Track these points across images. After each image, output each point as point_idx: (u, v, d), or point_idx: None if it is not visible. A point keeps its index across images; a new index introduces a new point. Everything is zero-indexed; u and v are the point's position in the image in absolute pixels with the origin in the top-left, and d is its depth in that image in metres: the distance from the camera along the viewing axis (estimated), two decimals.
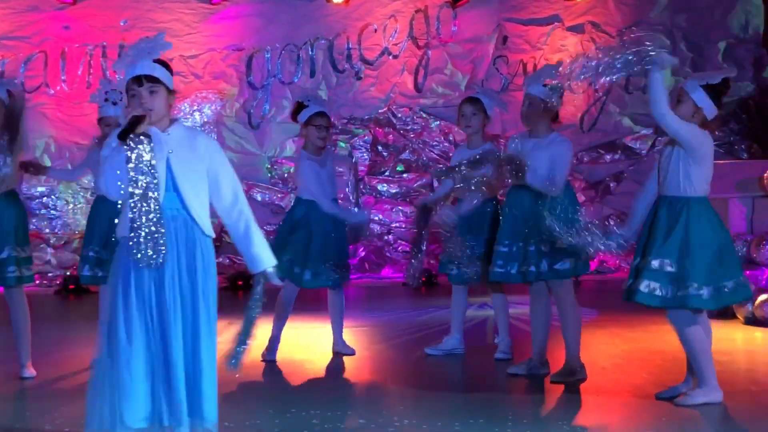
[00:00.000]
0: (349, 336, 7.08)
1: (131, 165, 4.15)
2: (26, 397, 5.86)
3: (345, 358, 6.80)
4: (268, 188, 12.08)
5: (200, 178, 4.31)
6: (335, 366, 6.60)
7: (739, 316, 7.90)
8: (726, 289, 5.15)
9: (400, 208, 12.24)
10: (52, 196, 11.69)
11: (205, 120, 12.04)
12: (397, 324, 8.40)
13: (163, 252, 4.17)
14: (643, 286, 5.16)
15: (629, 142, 12.32)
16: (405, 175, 12.25)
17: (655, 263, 5.16)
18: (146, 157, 4.16)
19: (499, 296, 6.66)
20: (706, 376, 5.22)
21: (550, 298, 6.03)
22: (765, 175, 8.17)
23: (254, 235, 4.36)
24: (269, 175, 12.00)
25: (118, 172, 4.18)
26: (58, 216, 11.69)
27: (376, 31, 12.23)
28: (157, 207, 4.17)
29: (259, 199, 12.07)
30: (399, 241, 12.16)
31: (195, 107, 11.94)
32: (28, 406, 5.64)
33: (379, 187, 12.22)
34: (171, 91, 4.35)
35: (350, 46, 12.21)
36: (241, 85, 12.11)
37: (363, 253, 12.12)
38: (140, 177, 4.16)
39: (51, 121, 11.64)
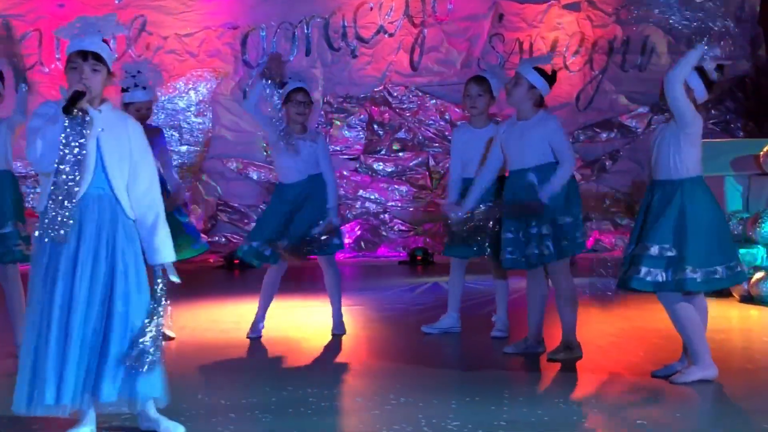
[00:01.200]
0: (345, 315, 7.08)
1: (64, 140, 4.13)
2: None
3: (342, 337, 6.80)
4: (263, 166, 12.05)
5: (126, 160, 4.32)
6: (331, 344, 6.60)
7: (734, 294, 7.91)
8: (717, 275, 5.16)
9: (395, 186, 12.23)
10: None
11: (200, 98, 12.01)
12: (393, 302, 8.41)
13: (67, 230, 4.15)
14: (643, 272, 5.16)
15: (625, 121, 12.31)
16: (401, 154, 12.23)
17: (654, 250, 5.16)
18: (82, 133, 4.15)
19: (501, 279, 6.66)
20: (700, 353, 5.23)
21: (546, 277, 6.05)
22: (761, 153, 8.17)
23: (160, 227, 4.39)
24: (265, 153, 11.97)
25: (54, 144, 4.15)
26: None
27: (371, 9, 12.19)
28: (79, 184, 4.16)
29: (254, 177, 12.06)
30: (395, 220, 12.16)
31: (190, 85, 11.90)
32: None
33: (375, 166, 12.20)
34: (110, 73, 4.34)
35: (346, 24, 12.17)
36: (236, 63, 12.07)
37: (359, 232, 12.12)
38: (70, 153, 4.14)
39: (46, 98, 11.58)
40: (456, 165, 6.68)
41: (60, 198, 4.14)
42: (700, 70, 5.23)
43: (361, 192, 12.27)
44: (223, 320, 7.57)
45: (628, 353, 6.09)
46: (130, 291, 4.26)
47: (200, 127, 12.09)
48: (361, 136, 12.27)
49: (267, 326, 6.86)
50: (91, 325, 4.19)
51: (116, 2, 11.80)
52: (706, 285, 5.20)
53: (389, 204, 12.19)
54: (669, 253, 5.14)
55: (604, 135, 12.24)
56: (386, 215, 12.13)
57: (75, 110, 4.12)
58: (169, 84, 11.52)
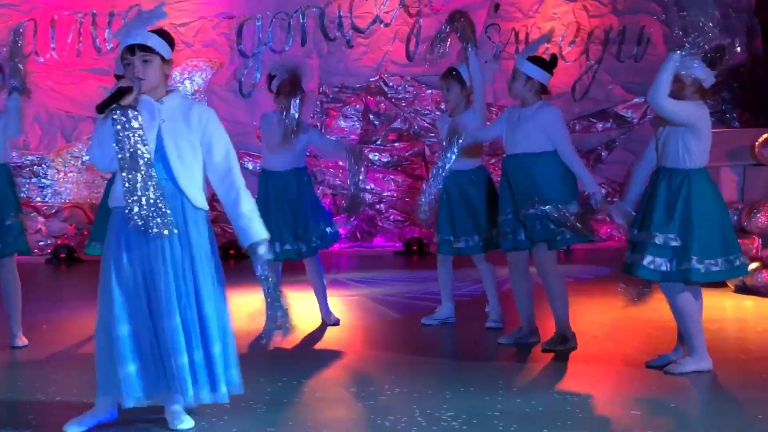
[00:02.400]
0: (340, 305, 7.09)
1: (117, 136, 4.14)
2: (17, 366, 5.86)
3: (337, 327, 6.81)
4: (259, 156, 12.02)
5: (192, 149, 4.30)
6: (326, 335, 6.60)
7: (729, 285, 7.92)
8: (716, 267, 5.17)
9: (391, 177, 12.22)
10: (43, 165, 11.64)
11: (196, 88, 11.98)
12: (388, 293, 8.41)
13: (170, 219, 4.16)
14: (647, 261, 5.17)
15: (621, 111, 12.29)
16: (396, 144, 12.22)
17: (659, 239, 5.17)
18: (135, 126, 4.15)
19: (486, 266, 6.67)
20: (696, 344, 5.24)
21: (529, 266, 6.07)
22: (756, 143, 8.17)
23: (244, 207, 4.35)
24: (260, 143, 11.96)
25: (106, 143, 4.18)
26: (49, 185, 11.65)
27: None
28: (151, 175, 4.16)
29: (250, 167, 12.03)
30: (391, 210, 12.16)
31: (185, 75, 11.87)
32: (20, 375, 5.64)
33: (371, 156, 12.19)
34: (167, 61, 4.34)
35: (341, 14, 12.14)
36: (231, 53, 12.04)
37: (355, 222, 12.12)
38: (127, 147, 4.14)
39: (41, 89, 11.52)
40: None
41: (129, 192, 4.14)
42: (705, 58, 5.21)
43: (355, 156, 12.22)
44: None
45: (623, 344, 6.10)
46: (211, 280, 4.30)
47: None
48: (357, 126, 12.25)
49: (259, 318, 6.84)
50: (189, 316, 4.26)
51: None
52: (706, 276, 5.22)
53: (385, 194, 12.18)
54: (674, 243, 5.15)
55: (600, 125, 12.22)
56: (381, 205, 12.12)
57: (116, 107, 4.12)
58: (169, 75, 11.48)
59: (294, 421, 4.54)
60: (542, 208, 5.72)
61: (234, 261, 10.94)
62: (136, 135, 4.14)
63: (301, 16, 12.08)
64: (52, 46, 11.71)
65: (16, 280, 6.22)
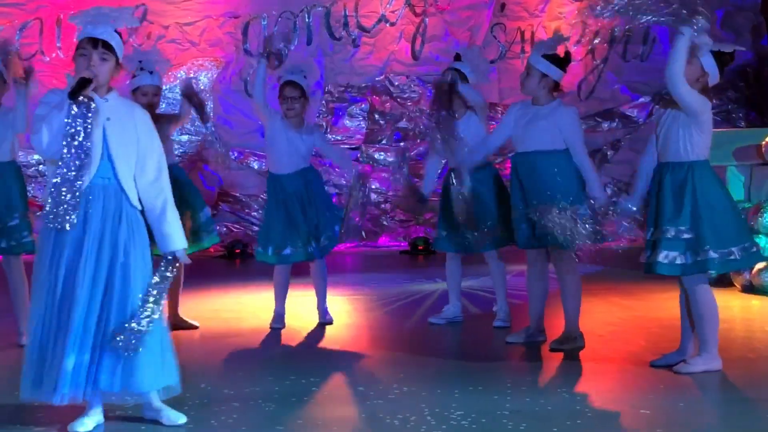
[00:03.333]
0: (347, 304, 7.09)
1: (69, 127, 4.12)
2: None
3: (344, 327, 6.82)
4: (264, 156, 12.03)
5: (132, 149, 4.31)
6: (333, 334, 6.61)
7: (736, 284, 7.92)
8: (733, 256, 5.16)
9: (396, 177, 12.21)
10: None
11: (201, 87, 11.97)
12: (394, 292, 8.41)
13: (72, 219, 4.14)
14: (662, 256, 5.16)
15: (627, 110, 12.30)
16: (402, 144, 12.22)
17: (670, 232, 5.16)
18: (89, 119, 4.14)
19: (497, 264, 6.66)
20: (709, 343, 5.23)
21: (548, 266, 6.05)
22: (763, 143, 8.16)
23: (169, 214, 4.37)
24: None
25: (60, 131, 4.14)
26: None
27: None
28: (84, 173, 4.16)
29: (255, 167, 12.05)
30: (396, 210, 12.16)
31: (191, 75, 11.88)
32: None
33: (377, 156, 12.19)
34: (118, 64, 4.34)
35: (347, 13, 12.14)
36: (237, 52, 12.05)
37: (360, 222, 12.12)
38: (75, 140, 4.13)
39: (47, 87, 11.51)
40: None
41: (65, 187, 4.13)
42: (716, 55, 5.21)
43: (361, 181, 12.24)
44: (225, 310, 7.58)
45: (630, 343, 6.09)
46: (131, 282, 4.24)
47: None
48: (363, 125, 12.25)
49: (266, 317, 6.87)
50: (94, 315, 4.19)
51: None
52: (724, 266, 5.24)
53: (390, 194, 12.18)
54: (686, 236, 5.14)
55: (606, 125, 12.23)
56: (387, 205, 12.12)
57: (81, 97, 4.12)
58: (170, 73, 11.50)
59: (303, 419, 4.54)
60: (549, 211, 5.69)
61: (240, 260, 10.96)
62: (87, 128, 4.14)
63: (306, 16, 12.09)
64: (58, 45, 11.73)
65: (23, 278, 6.22)
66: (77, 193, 4.15)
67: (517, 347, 6.02)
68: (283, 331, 6.67)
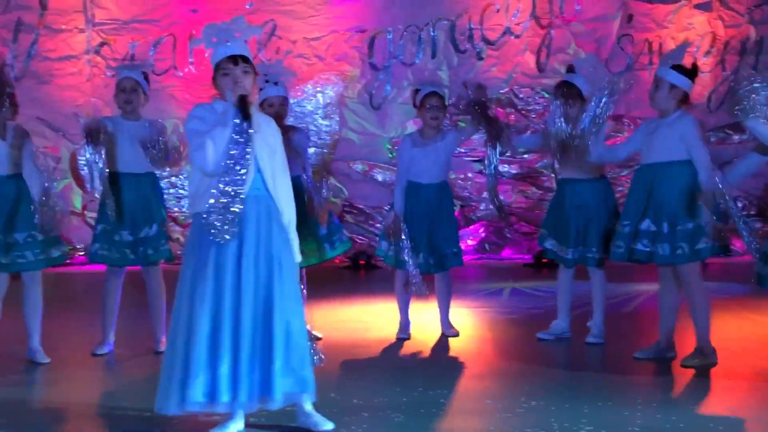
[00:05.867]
0: (468, 318, 7.07)
1: (235, 143, 4.25)
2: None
3: (469, 339, 6.83)
4: (389, 168, 12.13)
5: (274, 160, 4.43)
6: (458, 346, 6.62)
7: None
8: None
9: (519, 189, 12.17)
10: (180, 176, 11.90)
11: (328, 101, 12.15)
12: (518, 305, 8.38)
13: (234, 230, 4.25)
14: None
15: None
16: (526, 156, 12.17)
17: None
18: (248, 136, 4.27)
19: (599, 279, 6.57)
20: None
21: (678, 281, 5.97)
22: None
23: (293, 227, 4.51)
24: (390, 155, 12.06)
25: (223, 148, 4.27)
26: (186, 195, 11.95)
27: (498, 11, 12.15)
28: (244, 185, 4.27)
29: (379, 179, 12.15)
30: (520, 222, 12.11)
31: (318, 89, 12.05)
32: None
33: (500, 168, 12.17)
34: (256, 74, 4.46)
35: (472, 26, 12.16)
36: (363, 66, 12.19)
37: (483, 234, 12.11)
38: (238, 155, 4.25)
39: (179, 102, 11.90)
40: None
41: (226, 199, 4.25)
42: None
43: (485, 194, 12.23)
44: (351, 320, 7.66)
45: (763, 359, 5.95)
46: (288, 290, 4.35)
47: (327, 129, 12.21)
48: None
49: (391, 328, 6.92)
50: (258, 323, 4.29)
51: (247, 7, 12.03)
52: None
53: (513, 206, 12.14)
54: None
55: (737, 137, 11.94)
56: (512, 217, 12.08)
57: (247, 114, 4.27)
58: (297, 87, 11.69)
59: (431, 430, 4.57)
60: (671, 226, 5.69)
61: (364, 272, 11.06)
62: (249, 142, 4.26)
63: (431, 29, 12.15)
64: (190, 60, 12.04)
65: (161, 287, 6.39)
66: (239, 207, 4.27)
67: (646, 363, 5.94)
68: (408, 342, 6.72)
